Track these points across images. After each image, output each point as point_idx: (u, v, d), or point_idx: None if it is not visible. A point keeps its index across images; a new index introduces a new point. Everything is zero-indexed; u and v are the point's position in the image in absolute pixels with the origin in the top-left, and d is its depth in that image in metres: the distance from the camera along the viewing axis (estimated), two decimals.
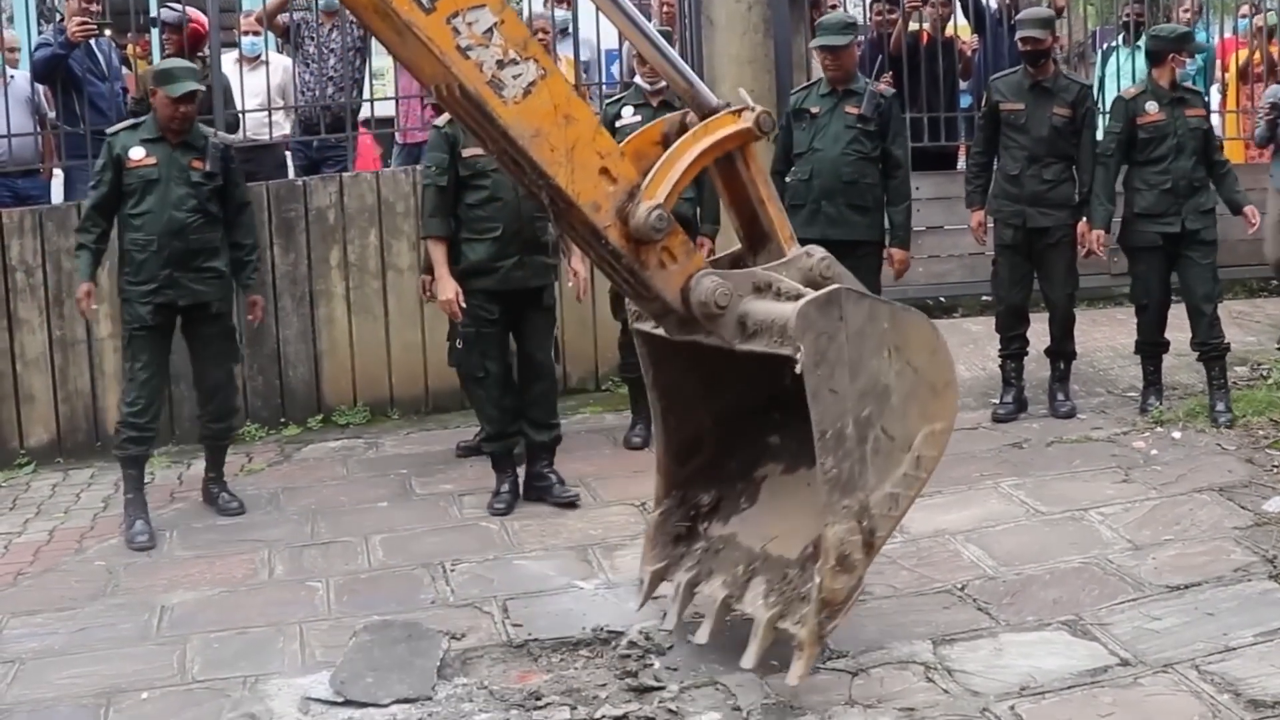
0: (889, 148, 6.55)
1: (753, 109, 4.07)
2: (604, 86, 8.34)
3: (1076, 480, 5.83)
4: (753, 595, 4.19)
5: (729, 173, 4.17)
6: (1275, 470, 5.78)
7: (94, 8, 7.35)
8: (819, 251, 4.12)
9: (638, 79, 6.64)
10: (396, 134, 8.58)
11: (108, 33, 7.65)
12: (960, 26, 9.56)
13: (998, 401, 6.90)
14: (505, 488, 5.90)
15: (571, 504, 5.84)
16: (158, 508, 5.98)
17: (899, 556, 4.95)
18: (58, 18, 7.92)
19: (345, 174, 7.66)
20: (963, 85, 9.41)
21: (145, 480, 5.93)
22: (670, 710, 3.96)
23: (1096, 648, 4.24)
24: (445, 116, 5.55)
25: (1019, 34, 6.85)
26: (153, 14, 8.10)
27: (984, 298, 7.54)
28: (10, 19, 9.14)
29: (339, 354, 7.44)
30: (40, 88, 7.56)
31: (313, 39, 8.27)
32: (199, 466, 6.34)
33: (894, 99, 6.75)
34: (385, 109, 8.61)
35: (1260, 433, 6.26)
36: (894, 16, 8.87)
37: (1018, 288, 6.86)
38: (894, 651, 4.24)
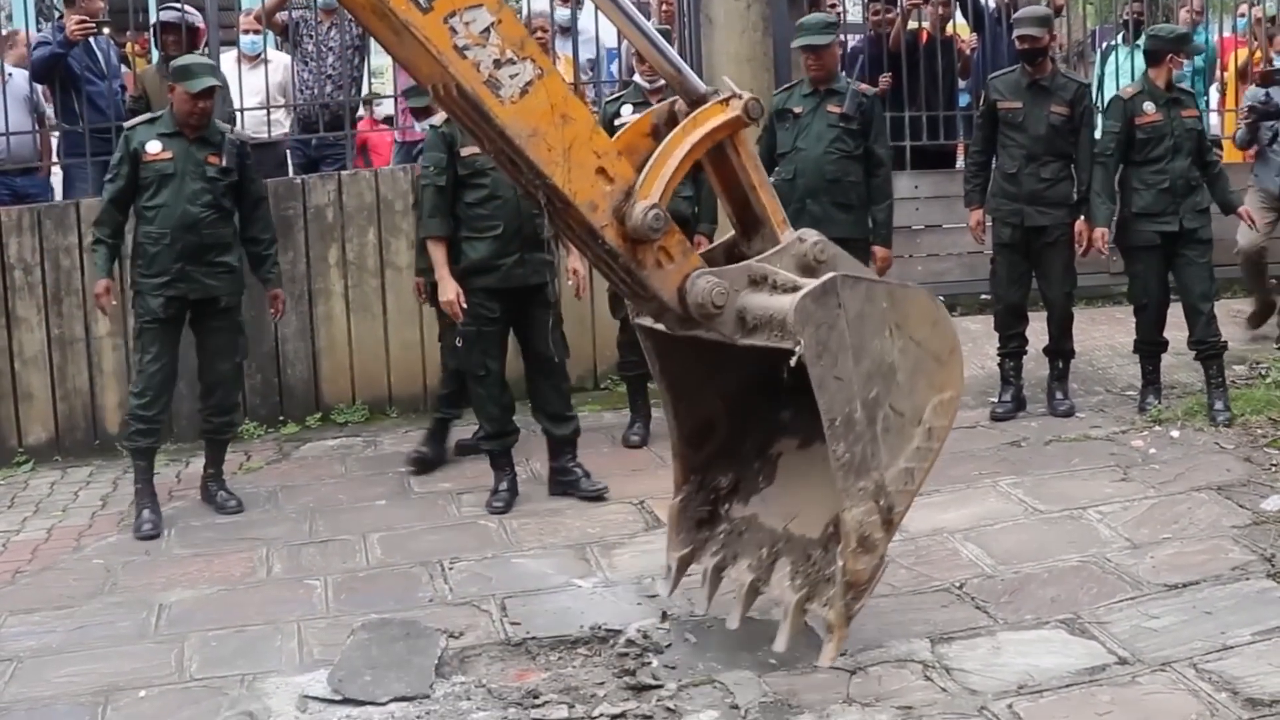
0: (872, 146, 6.60)
1: (740, 96, 4.07)
2: (603, 85, 8.34)
3: (1075, 479, 5.83)
4: (779, 577, 4.25)
5: (719, 160, 4.17)
6: (1273, 469, 5.78)
7: (98, 4, 7.35)
8: (812, 235, 4.13)
9: (636, 77, 6.65)
10: (395, 132, 8.57)
11: (106, 31, 7.65)
12: (959, 25, 9.56)
13: (996, 400, 6.90)
14: (504, 486, 5.90)
15: (599, 496, 5.87)
16: None
17: (897, 555, 4.93)
18: (57, 16, 7.92)
19: (344, 172, 7.67)
20: (961, 84, 9.41)
21: (154, 472, 5.96)
22: (668, 708, 3.96)
23: (1094, 646, 4.24)
24: (442, 116, 5.55)
25: (1016, 32, 6.87)
26: (153, 16, 8.09)
27: (983, 296, 7.54)
28: (9, 16, 9.14)
29: (337, 352, 7.44)
30: (39, 86, 7.56)
31: (311, 37, 8.27)
32: (197, 465, 6.34)
33: (875, 98, 6.79)
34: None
35: (1259, 431, 6.26)
36: (891, 15, 8.87)
37: (1016, 286, 6.87)
38: (892, 650, 4.24)
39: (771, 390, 4.46)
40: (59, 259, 6.96)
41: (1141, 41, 7.58)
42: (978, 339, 7.69)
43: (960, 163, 8.61)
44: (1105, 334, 8.13)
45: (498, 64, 3.69)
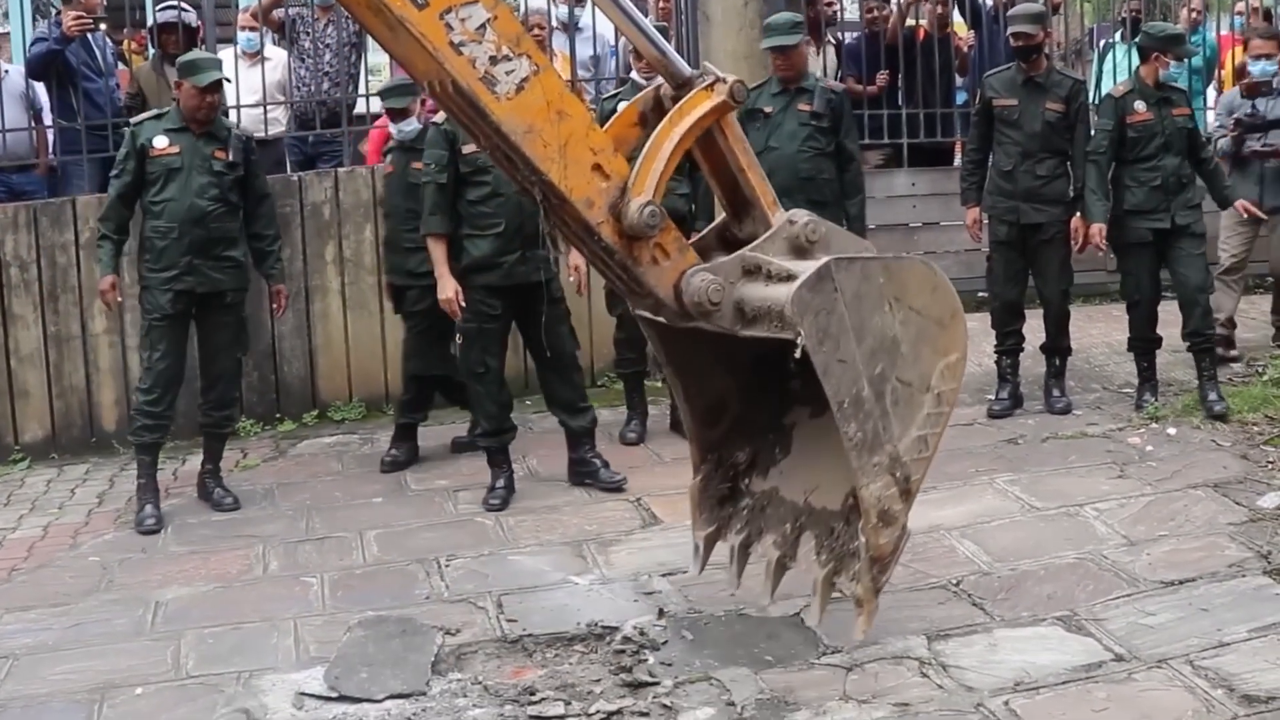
0: (842, 141, 6.63)
1: (725, 80, 4.06)
2: (605, 83, 8.34)
3: (1072, 476, 5.84)
4: (805, 552, 4.29)
5: (707, 144, 4.16)
6: (1270, 466, 5.79)
7: (95, 0, 7.35)
8: (803, 216, 4.12)
9: (634, 74, 6.65)
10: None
11: (103, 28, 7.64)
12: (956, 23, 9.56)
13: (993, 397, 6.91)
14: (500, 483, 5.90)
15: (618, 488, 5.90)
16: None
17: None
18: (53, 12, 7.91)
19: (340, 169, 7.67)
20: (959, 81, 9.41)
21: (158, 467, 5.97)
22: (664, 705, 3.95)
23: (1091, 643, 4.24)
24: (443, 114, 5.55)
25: (1010, 29, 6.87)
26: (149, 13, 8.08)
27: (979, 294, 7.54)
28: (5, 14, 9.13)
29: (334, 349, 7.44)
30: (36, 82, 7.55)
31: (308, 34, 8.26)
32: (194, 462, 6.34)
33: (844, 94, 6.83)
34: None
35: (1255, 429, 6.26)
36: (886, 13, 8.87)
37: (1013, 284, 6.87)
38: (888, 647, 4.23)
39: (779, 360, 4.44)
40: (55, 256, 6.96)
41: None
42: (975, 336, 7.57)
43: (957, 160, 8.62)
44: (1102, 331, 8.14)
45: (493, 60, 3.69)
